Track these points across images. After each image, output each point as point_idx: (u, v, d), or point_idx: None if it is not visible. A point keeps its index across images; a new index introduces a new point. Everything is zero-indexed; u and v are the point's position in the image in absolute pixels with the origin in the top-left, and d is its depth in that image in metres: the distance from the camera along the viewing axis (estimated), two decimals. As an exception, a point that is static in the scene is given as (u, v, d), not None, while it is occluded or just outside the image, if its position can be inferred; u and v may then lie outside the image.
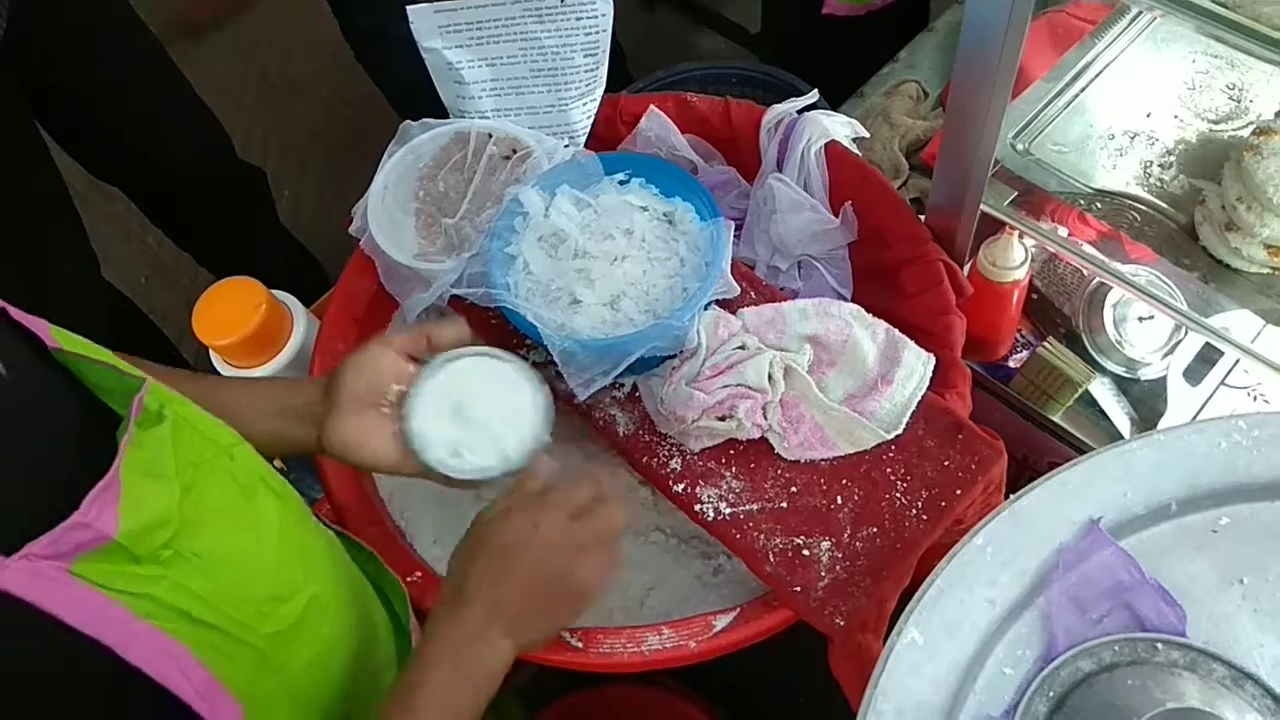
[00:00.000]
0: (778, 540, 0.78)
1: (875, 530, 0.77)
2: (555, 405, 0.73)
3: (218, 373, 1.03)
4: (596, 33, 0.92)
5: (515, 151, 0.95)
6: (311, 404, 0.70)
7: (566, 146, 0.95)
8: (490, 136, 0.95)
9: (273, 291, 1.02)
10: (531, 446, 0.71)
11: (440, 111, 0.99)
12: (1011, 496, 0.60)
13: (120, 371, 0.50)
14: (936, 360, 0.82)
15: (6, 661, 0.39)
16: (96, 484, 0.43)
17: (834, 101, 1.23)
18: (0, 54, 1.04)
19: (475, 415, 0.70)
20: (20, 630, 0.40)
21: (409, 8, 0.92)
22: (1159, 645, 0.55)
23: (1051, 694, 0.55)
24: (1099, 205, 0.85)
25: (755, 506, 0.80)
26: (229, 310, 0.98)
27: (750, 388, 0.80)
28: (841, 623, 0.74)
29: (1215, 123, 0.89)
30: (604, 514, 0.67)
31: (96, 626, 0.42)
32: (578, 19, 0.91)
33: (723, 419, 0.80)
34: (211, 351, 1.02)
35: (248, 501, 0.54)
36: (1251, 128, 0.83)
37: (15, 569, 0.39)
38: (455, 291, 0.89)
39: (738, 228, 0.97)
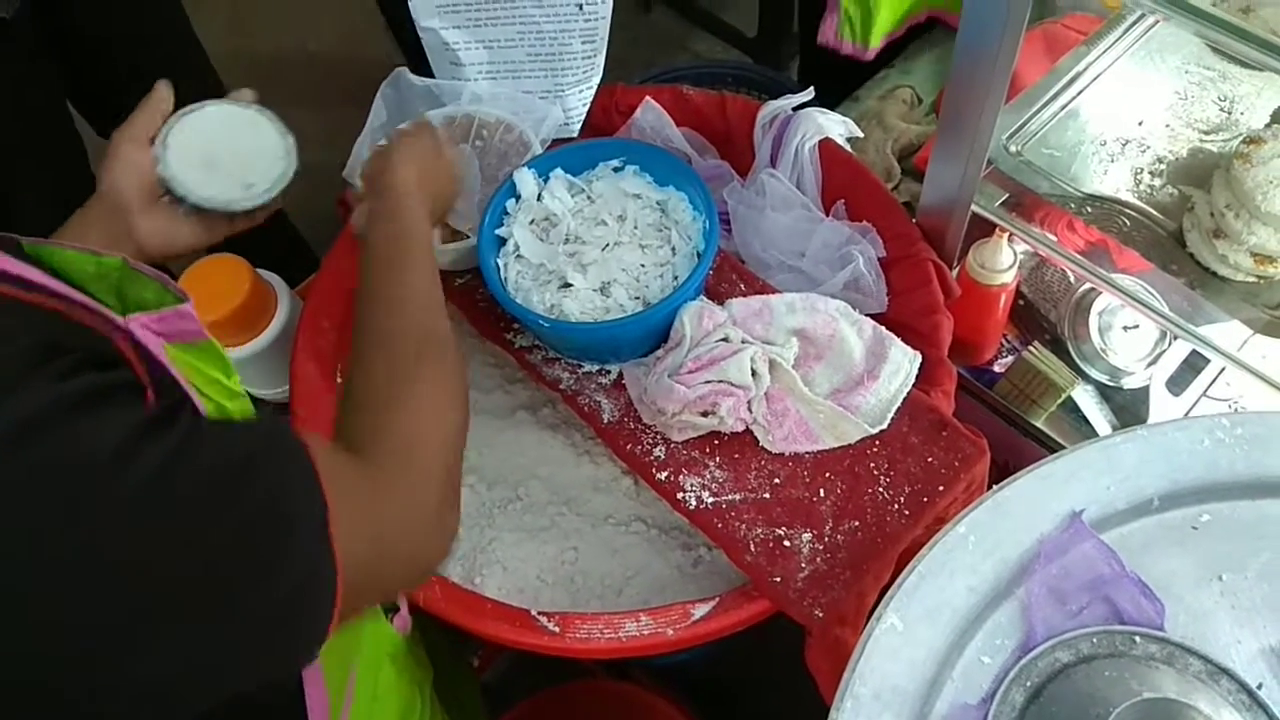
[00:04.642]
0: (759, 530, 0.77)
1: (857, 524, 0.77)
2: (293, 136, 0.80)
3: None
4: (595, 20, 0.92)
5: (499, 133, 0.94)
6: (113, 227, 0.72)
7: (560, 114, 0.95)
8: (476, 120, 0.95)
9: (258, 270, 1.01)
10: (286, 162, 0.79)
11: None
12: (995, 486, 0.60)
13: (97, 253, 0.52)
14: (923, 358, 0.83)
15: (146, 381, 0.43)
16: None
17: (828, 105, 1.23)
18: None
19: (222, 158, 0.76)
20: (144, 364, 0.43)
21: None
22: (1137, 638, 0.55)
23: (1029, 684, 0.55)
24: (1089, 209, 0.86)
25: (738, 496, 0.80)
26: (213, 286, 0.96)
27: (733, 384, 0.80)
28: (820, 614, 0.74)
29: (1206, 133, 0.90)
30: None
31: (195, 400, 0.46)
32: (578, 5, 0.91)
33: (705, 414, 0.80)
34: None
35: None
36: (1241, 138, 0.84)
37: (131, 324, 0.44)
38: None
39: (729, 221, 0.97)
